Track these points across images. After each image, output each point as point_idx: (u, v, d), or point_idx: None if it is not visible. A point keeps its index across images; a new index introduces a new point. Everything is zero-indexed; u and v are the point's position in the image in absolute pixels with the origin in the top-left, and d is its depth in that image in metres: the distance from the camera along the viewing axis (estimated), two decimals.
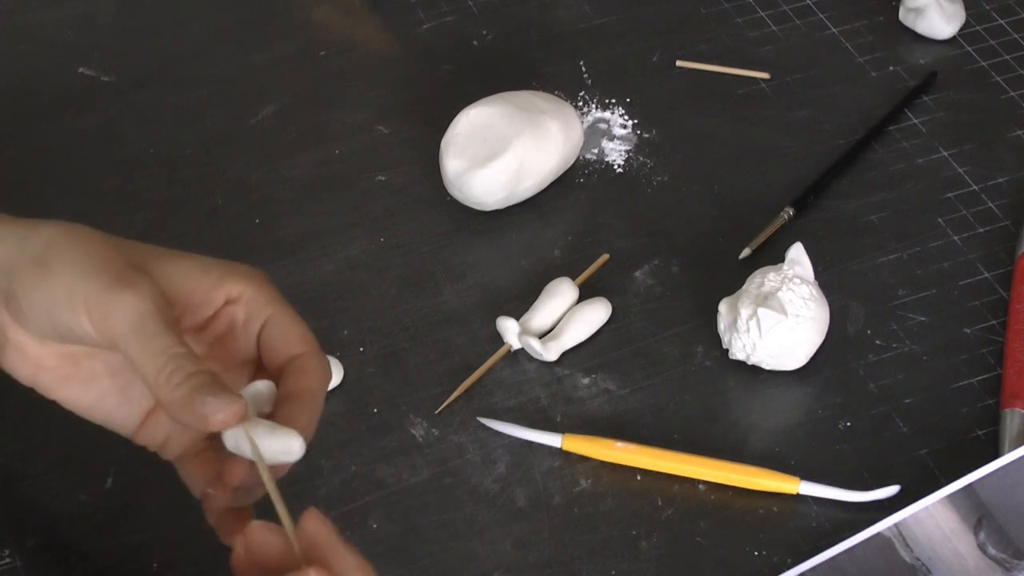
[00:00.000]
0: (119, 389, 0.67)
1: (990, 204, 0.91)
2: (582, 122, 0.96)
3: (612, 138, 0.96)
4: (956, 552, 0.73)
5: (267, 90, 1.00)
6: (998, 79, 1.00)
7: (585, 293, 0.86)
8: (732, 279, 0.85)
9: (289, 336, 0.65)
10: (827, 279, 0.86)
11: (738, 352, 0.82)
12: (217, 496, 0.64)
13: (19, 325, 0.65)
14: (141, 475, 0.77)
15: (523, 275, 0.88)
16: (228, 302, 0.66)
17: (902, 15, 1.03)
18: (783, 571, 0.73)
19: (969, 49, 1.02)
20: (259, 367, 0.67)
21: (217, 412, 0.60)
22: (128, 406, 0.68)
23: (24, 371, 0.67)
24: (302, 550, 0.57)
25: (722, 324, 0.82)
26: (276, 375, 0.65)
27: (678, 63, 1.01)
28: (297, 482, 0.70)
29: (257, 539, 0.58)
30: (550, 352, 0.83)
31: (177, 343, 0.62)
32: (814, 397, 0.82)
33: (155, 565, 0.75)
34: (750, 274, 0.83)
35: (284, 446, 0.61)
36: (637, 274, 0.88)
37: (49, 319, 0.64)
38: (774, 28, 1.04)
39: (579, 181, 0.93)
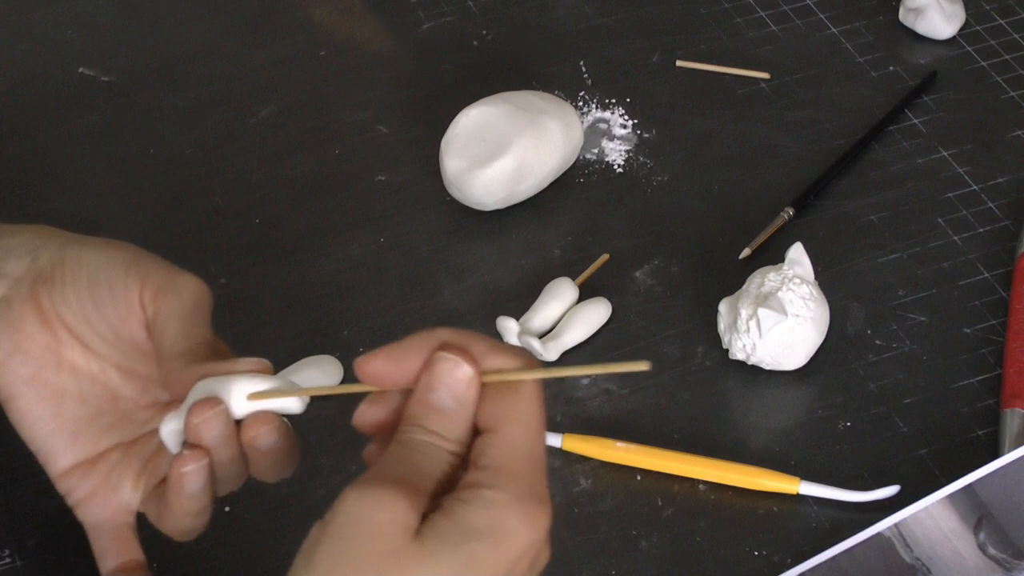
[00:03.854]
0: (76, 419, 0.66)
1: (990, 204, 0.91)
2: (582, 122, 0.96)
3: (612, 138, 0.96)
4: (956, 552, 0.73)
5: (267, 90, 1.00)
6: (998, 79, 1.00)
7: (585, 293, 0.86)
8: (732, 279, 0.85)
9: None
10: (827, 279, 0.86)
11: (738, 352, 0.82)
12: (174, 494, 0.63)
13: (35, 297, 0.65)
14: None
15: (523, 275, 0.88)
16: None
17: (902, 15, 1.03)
18: (783, 571, 0.73)
19: (969, 49, 1.02)
20: None
21: (244, 360, 0.61)
22: (71, 441, 0.67)
23: (3, 348, 0.66)
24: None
25: (722, 324, 0.82)
26: None
27: (678, 63, 1.01)
28: (296, 482, 0.70)
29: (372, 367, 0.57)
30: (550, 352, 0.83)
31: (211, 341, 0.64)
32: (814, 397, 0.82)
33: (155, 565, 0.75)
34: (750, 274, 0.83)
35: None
36: (637, 274, 0.88)
37: (91, 281, 0.64)
38: (774, 28, 1.04)
39: (579, 181, 0.93)
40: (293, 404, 0.61)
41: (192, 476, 0.62)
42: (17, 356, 0.66)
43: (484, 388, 0.55)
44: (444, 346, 0.55)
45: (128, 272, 0.65)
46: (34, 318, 0.66)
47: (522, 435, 0.53)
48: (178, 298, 0.64)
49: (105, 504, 0.67)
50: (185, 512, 0.64)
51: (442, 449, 0.54)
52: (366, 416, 0.57)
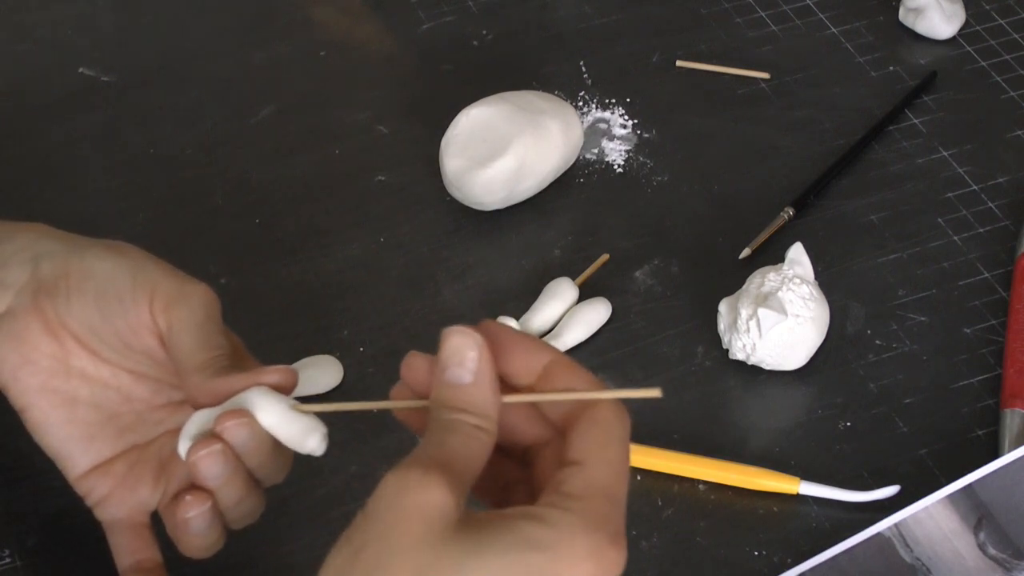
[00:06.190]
0: (90, 423, 0.67)
1: (990, 204, 0.91)
2: (582, 122, 0.96)
3: (612, 138, 0.96)
4: (956, 552, 0.73)
5: (267, 90, 1.00)
6: (998, 79, 1.00)
7: (585, 293, 0.86)
8: (732, 279, 0.85)
9: None
10: (827, 279, 0.86)
11: (738, 352, 0.82)
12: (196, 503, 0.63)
13: (39, 307, 0.65)
14: None
15: (523, 275, 0.88)
16: None
17: (902, 15, 1.03)
18: (783, 571, 0.73)
19: (969, 49, 1.02)
20: None
21: (270, 372, 0.63)
22: (87, 444, 0.67)
23: (11, 360, 0.66)
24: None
25: (722, 324, 0.82)
26: None
27: (678, 63, 1.01)
28: (296, 482, 0.70)
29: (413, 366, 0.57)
30: None
31: (229, 347, 0.64)
32: (814, 397, 0.82)
33: None
34: (750, 274, 0.83)
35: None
36: (637, 274, 0.88)
37: (98, 292, 0.64)
38: (774, 28, 1.04)
39: (579, 181, 0.93)
40: (311, 444, 0.62)
41: (197, 520, 0.63)
42: (25, 367, 0.66)
43: (576, 421, 0.54)
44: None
45: (136, 282, 0.64)
46: (39, 329, 0.66)
47: (610, 475, 0.53)
48: (190, 309, 0.64)
49: (122, 503, 0.67)
50: (195, 548, 0.65)
51: (468, 424, 0.53)
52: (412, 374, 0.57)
